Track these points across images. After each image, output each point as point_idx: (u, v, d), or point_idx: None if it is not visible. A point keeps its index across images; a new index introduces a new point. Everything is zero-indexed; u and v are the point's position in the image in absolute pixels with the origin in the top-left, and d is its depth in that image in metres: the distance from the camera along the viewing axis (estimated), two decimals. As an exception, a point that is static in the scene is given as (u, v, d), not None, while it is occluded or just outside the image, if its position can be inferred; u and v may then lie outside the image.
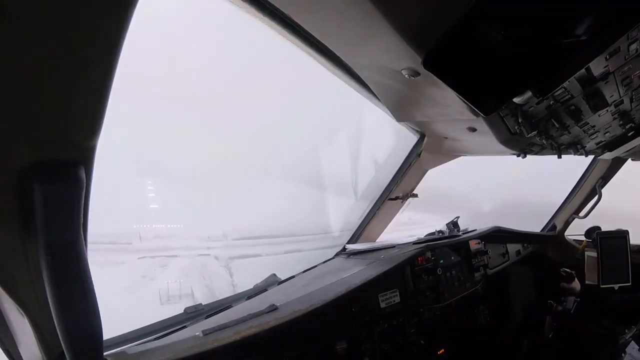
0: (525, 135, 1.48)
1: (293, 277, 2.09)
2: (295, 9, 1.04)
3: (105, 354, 1.04)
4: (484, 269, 2.37)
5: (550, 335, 2.44)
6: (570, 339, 2.57)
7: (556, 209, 3.11)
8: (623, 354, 2.21)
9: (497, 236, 2.62)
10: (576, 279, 2.47)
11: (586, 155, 2.01)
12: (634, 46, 1.06)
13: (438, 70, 0.96)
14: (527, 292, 2.98)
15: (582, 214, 2.95)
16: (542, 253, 3.08)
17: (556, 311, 2.42)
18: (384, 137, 2.37)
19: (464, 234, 2.50)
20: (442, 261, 2.13)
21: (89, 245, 0.82)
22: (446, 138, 2.11)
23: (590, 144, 1.97)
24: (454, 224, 2.60)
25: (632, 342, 2.22)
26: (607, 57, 1.08)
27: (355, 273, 1.83)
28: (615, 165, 2.69)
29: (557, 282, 2.48)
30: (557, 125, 1.51)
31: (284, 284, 2.01)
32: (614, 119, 1.65)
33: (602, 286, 2.57)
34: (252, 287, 1.97)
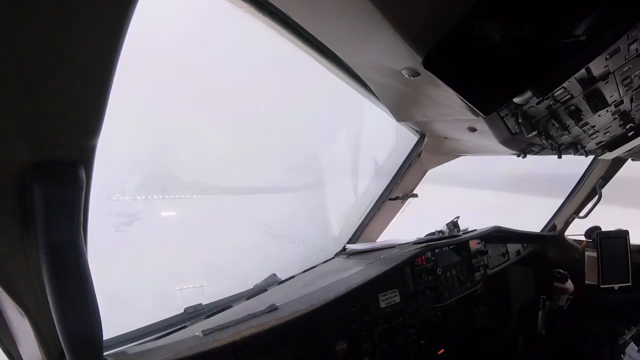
0: (525, 136, 1.48)
1: (293, 277, 2.09)
2: (295, 9, 1.04)
3: (105, 354, 1.04)
4: (484, 269, 2.37)
5: (543, 332, 2.44)
6: (568, 338, 2.57)
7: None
8: (622, 355, 2.21)
9: (497, 236, 2.62)
10: (570, 280, 2.47)
11: (586, 156, 2.01)
12: (634, 46, 1.06)
13: (438, 70, 0.96)
14: (527, 292, 2.98)
15: (582, 214, 2.95)
16: (542, 253, 3.07)
17: (550, 308, 2.42)
18: (384, 137, 2.37)
19: (464, 234, 2.50)
20: (442, 261, 2.13)
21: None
22: (446, 138, 2.11)
23: (590, 144, 1.97)
24: (454, 224, 2.59)
25: (632, 342, 2.22)
26: (607, 57, 1.07)
27: (355, 273, 1.83)
28: (615, 165, 2.69)
29: (552, 282, 2.48)
30: (557, 125, 1.51)
31: (284, 284, 2.01)
32: (614, 119, 1.65)
33: (602, 286, 2.57)
34: (252, 287, 1.98)
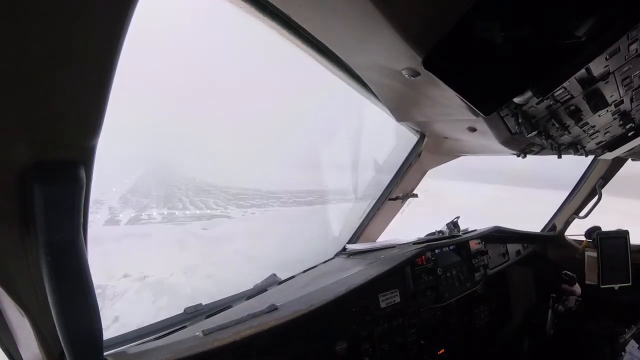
0: (525, 135, 1.48)
1: (293, 277, 2.09)
2: (295, 9, 1.04)
3: (105, 354, 1.05)
4: (484, 269, 2.37)
5: (552, 332, 2.43)
6: (570, 339, 2.57)
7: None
8: (623, 353, 2.21)
9: (497, 236, 2.62)
10: (577, 284, 2.46)
11: (586, 156, 2.01)
12: (634, 46, 1.06)
13: (438, 70, 0.95)
14: (527, 292, 2.98)
15: (582, 214, 2.95)
16: (542, 253, 3.07)
17: (557, 310, 2.41)
18: (384, 137, 2.37)
19: (464, 234, 2.50)
20: (442, 261, 2.13)
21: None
22: (446, 138, 2.11)
23: (590, 144, 1.97)
24: (454, 224, 2.60)
25: (632, 340, 2.22)
26: (607, 57, 1.07)
27: (356, 273, 1.83)
28: (615, 165, 2.69)
29: (558, 282, 2.48)
30: (557, 125, 1.51)
31: (284, 284, 2.01)
32: (614, 119, 1.65)
33: (602, 286, 2.57)
34: (252, 287, 1.98)
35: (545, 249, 3.10)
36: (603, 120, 1.62)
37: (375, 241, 2.58)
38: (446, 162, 2.48)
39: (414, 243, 2.23)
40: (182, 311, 1.62)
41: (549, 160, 2.16)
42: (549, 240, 3.09)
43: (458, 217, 2.63)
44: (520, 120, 1.42)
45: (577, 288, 2.45)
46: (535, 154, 2.03)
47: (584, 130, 1.68)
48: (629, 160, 2.59)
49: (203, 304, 1.68)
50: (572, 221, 3.02)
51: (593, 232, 2.71)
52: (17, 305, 0.80)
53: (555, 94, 1.27)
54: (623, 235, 2.60)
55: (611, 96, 1.38)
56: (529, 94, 1.04)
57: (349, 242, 2.49)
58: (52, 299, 0.75)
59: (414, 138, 2.25)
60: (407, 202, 2.56)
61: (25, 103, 0.60)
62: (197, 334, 1.26)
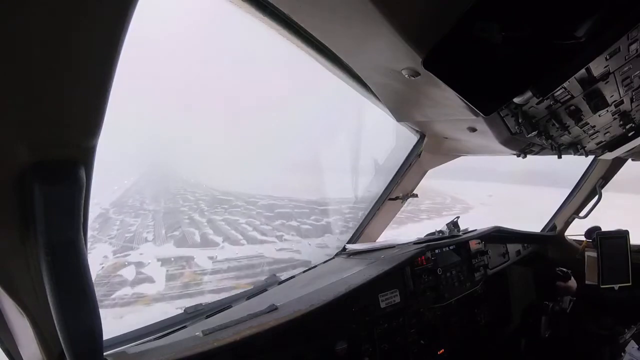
0: (526, 136, 1.48)
1: (293, 277, 2.09)
2: (295, 9, 1.04)
3: (105, 354, 1.05)
4: (484, 269, 2.37)
5: (546, 335, 2.44)
6: (569, 339, 2.57)
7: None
8: (623, 354, 2.21)
9: (497, 236, 2.62)
10: (573, 278, 2.47)
11: (586, 156, 2.01)
12: (634, 46, 1.06)
13: (438, 70, 0.96)
14: (527, 292, 2.98)
15: (582, 214, 2.96)
16: (542, 253, 3.08)
17: (553, 311, 2.42)
18: (384, 138, 2.37)
19: (464, 234, 2.50)
20: (442, 261, 2.13)
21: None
22: (446, 138, 2.11)
23: (590, 144, 1.97)
24: (454, 224, 2.60)
25: (632, 341, 2.22)
26: (607, 57, 1.07)
27: (355, 273, 1.83)
28: (616, 165, 2.69)
29: (555, 281, 2.48)
30: (557, 125, 1.51)
31: (284, 284, 2.01)
32: (614, 119, 1.65)
33: (602, 286, 2.57)
34: (252, 287, 1.98)
35: (545, 249, 3.10)
36: (603, 120, 1.62)
37: (375, 241, 2.58)
38: (446, 162, 2.48)
39: (414, 243, 2.23)
40: (182, 311, 1.62)
41: (551, 158, 2.16)
42: (549, 240, 3.10)
43: (458, 217, 2.63)
44: (520, 120, 1.42)
45: (572, 283, 2.46)
46: (535, 154, 2.03)
47: (584, 131, 1.68)
48: (629, 160, 2.60)
49: (203, 304, 1.68)
50: (572, 221, 3.02)
51: (593, 232, 2.71)
52: (17, 305, 0.80)
53: (556, 94, 1.27)
54: (623, 235, 2.60)
55: (611, 96, 1.38)
56: (529, 94, 1.04)
57: (349, 242, 2.49)
58: (52, 299, 0.75)
59: (414, 138, 2.25)
60: (407, 202, 2.56)
61: (25, 103, 0.60)
62: (197, 334, 1.26)
